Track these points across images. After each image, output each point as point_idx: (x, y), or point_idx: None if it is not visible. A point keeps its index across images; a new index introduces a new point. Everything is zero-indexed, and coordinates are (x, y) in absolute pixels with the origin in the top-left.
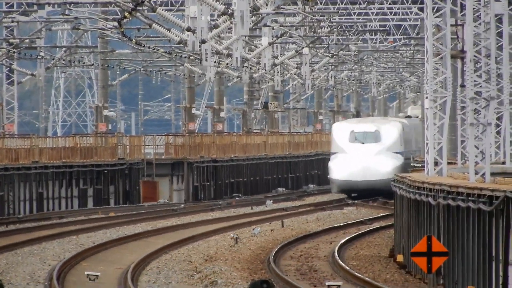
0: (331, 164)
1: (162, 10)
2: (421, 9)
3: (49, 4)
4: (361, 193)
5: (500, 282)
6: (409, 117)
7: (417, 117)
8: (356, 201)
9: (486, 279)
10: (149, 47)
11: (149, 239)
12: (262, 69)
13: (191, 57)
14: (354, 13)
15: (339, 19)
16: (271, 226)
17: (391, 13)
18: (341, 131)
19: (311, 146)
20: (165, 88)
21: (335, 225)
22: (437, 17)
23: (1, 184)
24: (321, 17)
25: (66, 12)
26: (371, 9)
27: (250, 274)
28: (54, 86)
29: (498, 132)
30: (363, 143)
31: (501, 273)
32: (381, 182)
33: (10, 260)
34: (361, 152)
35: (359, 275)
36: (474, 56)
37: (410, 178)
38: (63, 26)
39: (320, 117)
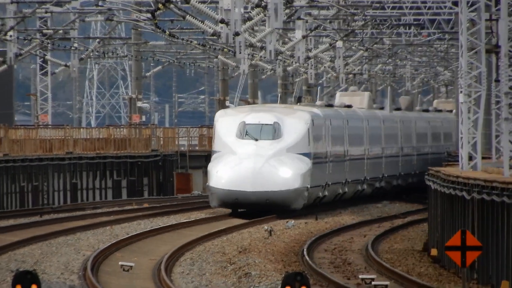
0: (211, 168)
1: (196, 2)
2: (456, 3)
3: None
4: (251, 208)
5: None
6: (330, 106)
7: (347, 106)
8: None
9: None
10: (182, 39)
11: (182, 230)
12: (296, 62)
13: (225, 50)
14: (388, 7)
15: (373, 12)
16: (305, 219)
17: (425, 7)
18: (227, 122)
19: None
20: (198, 80)
21: (369, 219)
22: (471, 11)
23: (35, 175)
24: (355, 11)
25: (100, 3)
26: (405, 3)
27: (284, 266)
28: (88, 77)
29: None
30: (256, 140)
31: None
32: (279, 194)
33: (45, 250)
34: (253, 152)
35: (393, 269)
36: (509, 50)
37: (444, 172)
38: (97, 17)
39: None
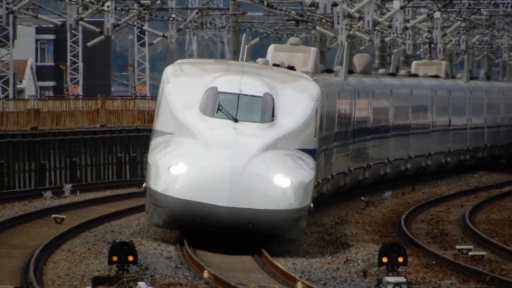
0: (154, 160)
1: None
2: None
3: None
4: (223, 233)
5: None
6: (276, 65)
7: (289, 68)
8: None
9: None
10: (280, 9)
11: None
12: (393, 33)
13: (323, 20)
14: None
15: None
16: (402, 189)
17: None
18: (184, 86)
19: None
20: None
21: (466, 189)
22: None
23: (133, 146)
24: None
25: None
26: None
27: (380, 237)
28: (187, 51)
29: None
30: (235, 121)
31: None
32: (270, 216)
33: (142, 221)
34: (231, 141)
35: (490, 239)
36: None
37: None
38: None
39: None
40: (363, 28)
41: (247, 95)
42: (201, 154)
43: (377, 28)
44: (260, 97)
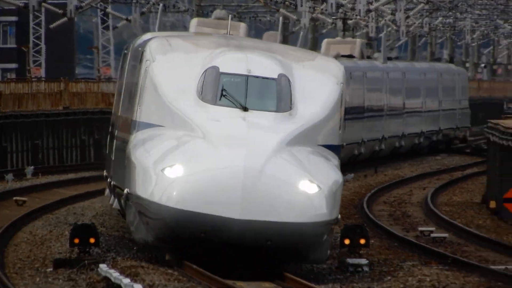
0: (140, 158)
1: None
2: None
3: None
4: (234, 252)
5: None
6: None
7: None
8: None
9: None
10: None
11: None
12: (356, 15)
13: (286, 3)
14: None
15: None
16: (364, 172)
17: None
18: (175, 65)
19: None
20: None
21: (428, 171)
22: None
23: (98, 128)
24: None
25: None
26: None
27: (343, 219)
28: None
29: None
30: (245, 110)
31: None
32: (293, 229)
33: (105, 204)
34: (239, 137)
35: (452, 221)
36: None
37: (503, 124)
38: None
39: None
40: (326, 10)
41: (258, 76)
42: (204, 153)
43: (340, 10)
44: (274, 79)
